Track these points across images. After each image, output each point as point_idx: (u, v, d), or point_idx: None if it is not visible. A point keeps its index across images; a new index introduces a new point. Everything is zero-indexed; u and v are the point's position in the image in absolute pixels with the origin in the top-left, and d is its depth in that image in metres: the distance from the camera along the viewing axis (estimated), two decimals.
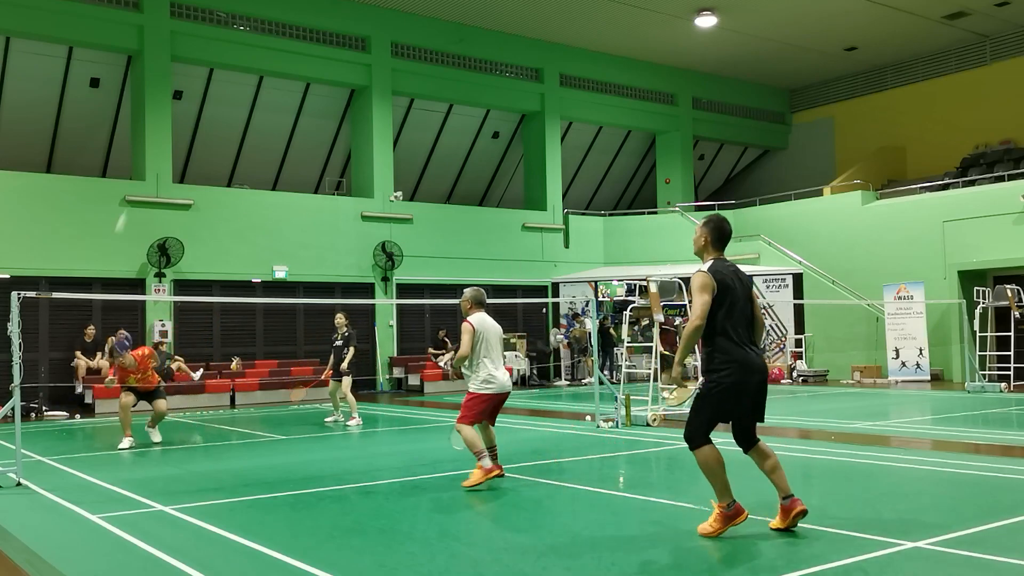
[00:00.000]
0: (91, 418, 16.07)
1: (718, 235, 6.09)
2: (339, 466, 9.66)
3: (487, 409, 8.22)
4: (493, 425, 8.35)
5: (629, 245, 25.31)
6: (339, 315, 14.24)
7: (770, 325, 22.89)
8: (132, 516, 6.97)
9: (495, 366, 8.31)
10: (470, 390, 8.26)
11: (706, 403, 5.79)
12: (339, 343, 13.97)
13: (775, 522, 5.90)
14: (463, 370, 8.45)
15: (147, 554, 5.72)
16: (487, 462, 7.89)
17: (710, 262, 5.96)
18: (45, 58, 18.99)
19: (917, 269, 20.87)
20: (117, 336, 13.69)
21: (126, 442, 11.39)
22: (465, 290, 8.84)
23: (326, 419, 14.30)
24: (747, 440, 5.95)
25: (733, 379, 5.68)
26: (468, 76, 23.59)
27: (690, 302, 6.75)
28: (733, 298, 5.78)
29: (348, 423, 13.70)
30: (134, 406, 11.74)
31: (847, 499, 7.10)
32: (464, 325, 8.37)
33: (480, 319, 8.42)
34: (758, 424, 5.97)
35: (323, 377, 14.56)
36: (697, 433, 5.81)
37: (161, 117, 19.15)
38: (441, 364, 21.23)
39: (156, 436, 11.88)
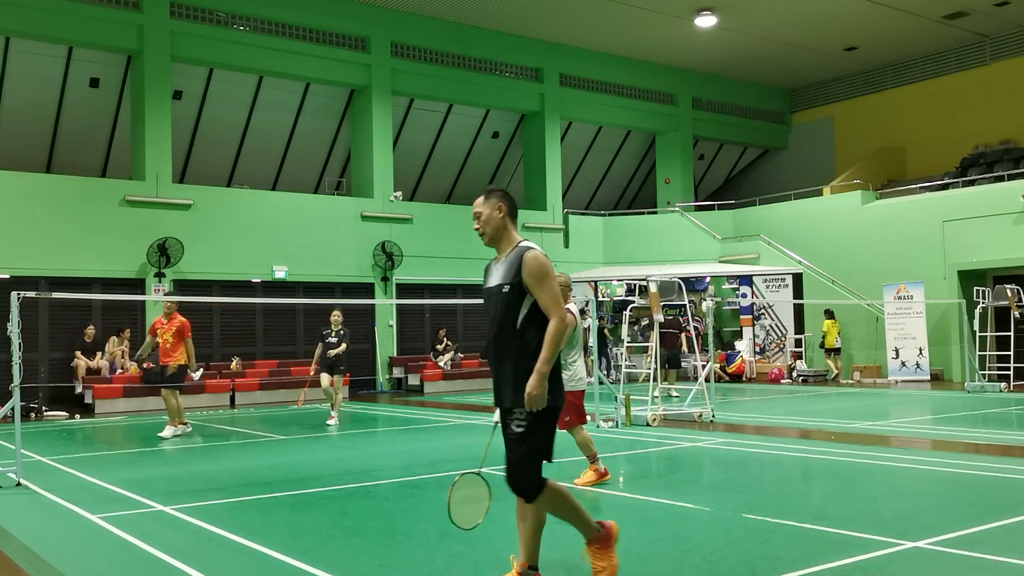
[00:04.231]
0: (91, 418, 16.06)
1: (515, 207, 4.84)
2: (339, 466, 9.66)
3: (582, 407, 8.08)
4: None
5: (629, 245, 25.32)
6: (336, 312, 14.19)
7: (770, 325, 22.90)
8: (132, 516, 6.97)
9: (580, 359, 8.08)
10: (573, 387, 7.90)
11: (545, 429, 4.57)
12: (333, 339, 13.88)
13: None
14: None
15: (147, 554, 5.72)
16: (602, 464, 7.93)
17: (528, 241, 4.73)
18: (45, 58, 18.98)
19: (917, 269, 20.88)
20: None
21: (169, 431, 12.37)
22: (558, 274, 8.39)
23: (327, 422, 14.07)
24: None
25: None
26: (468, 76, 23.59)
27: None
28: None
29: (328, 422, 13.66)
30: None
31: (847, 499, 7.10)
32: (568, 318, 7.97)
33: (572, 309, 7.97)
34: None
35: (312, 374, 14.44)
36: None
37: (161, 117, 19.14)
38: (441, 364, 21.33)
39: (168, 431, 12.35)
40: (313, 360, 14.31)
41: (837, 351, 21.57)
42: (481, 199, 4.79)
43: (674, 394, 16.64)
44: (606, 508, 7.04)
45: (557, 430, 4.67)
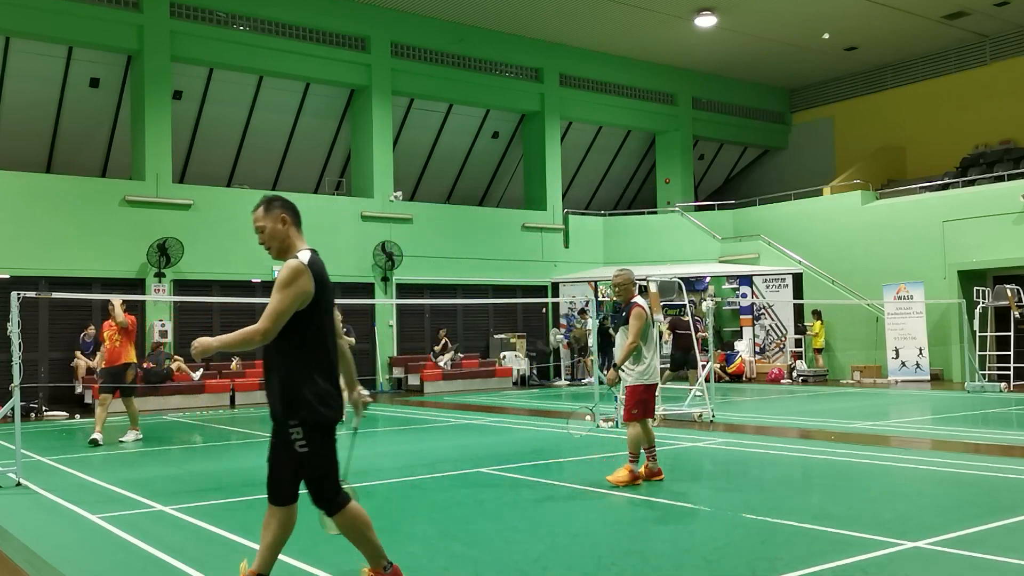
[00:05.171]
0: (91, 418, 16.02)
1: (298, 215, 4.57)
2: (339, 466, 9.64)
3: (652, 401, 8.03)
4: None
5: (629, 245, 25.32)
6: (336, 312, 14.21)
7: (770, 325, 22.90)
8: (132, 516, 6.97)
9: (654, 354, 7.98)
10: (644, 381, 7.87)
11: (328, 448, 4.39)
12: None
13: None
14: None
15: (147, 554, 5.72)
16: (638, 466, 7.86)
17: (307, 252, 4.46)
18: (45, 58, 18.98)
19: (917, 269, 20.88)
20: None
21: (98, 437, 11.76)
22: (621, 270, 8.19)
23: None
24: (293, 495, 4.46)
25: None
26: (468, 76, 23.59)
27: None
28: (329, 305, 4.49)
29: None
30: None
31: (847, 499, 7.10)
32: (636, 310, 7.83)
33: (644, 303, 7.97)
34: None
35: None
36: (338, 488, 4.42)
37: (161, 117, 19.15)
38: (441, 364, 21.33)
39: (130, 436, 12.03)
40: None
41: (820, 351, 21.90)
42: (261, 211, 4.44)
43: (698, 393, 16.57)
44: (606, 508, 7.04)
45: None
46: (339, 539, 6.11)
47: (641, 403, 7.88)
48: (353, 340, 14.25)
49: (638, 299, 8.00)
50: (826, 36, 25.44)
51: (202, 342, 4.23)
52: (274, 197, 4.55)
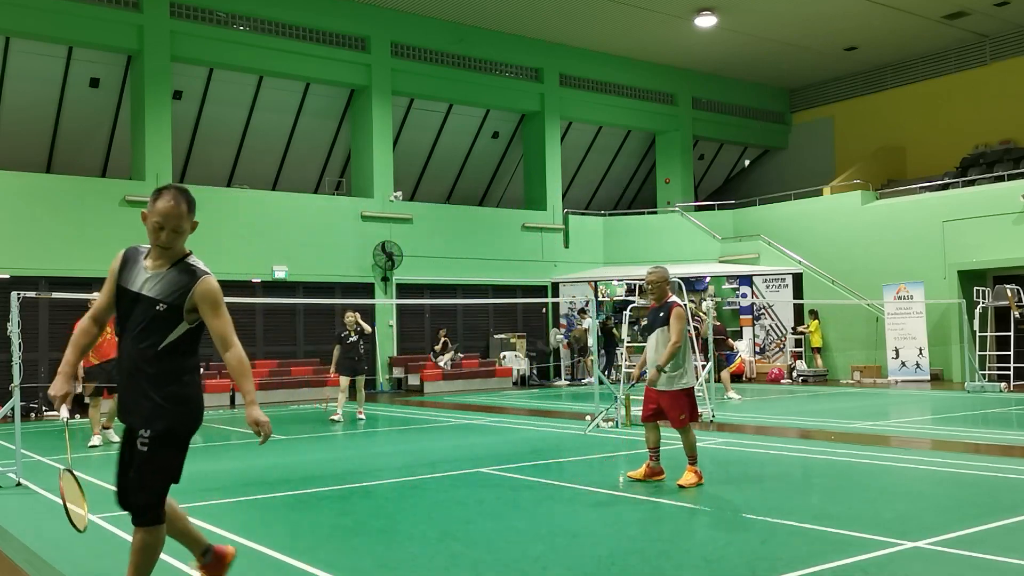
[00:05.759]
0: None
1: None
2: (339, 466, 9.65)
3: (695, 403, 7.94)
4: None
5: (629, 245, 25.32)
6: (348, 312, 14.43)
7: (770, 325, 22.90)
8: None
9: (689, 356, 7.87)
10: (685, 385, 7.76)
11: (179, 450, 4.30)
12: (353, 339, 14.18)
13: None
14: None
15: None
16: (696, 464, 7.78)
17: (195, 257, 4.27)
18: (45, 58, 18.98)
19: (917, 269, 20.88)
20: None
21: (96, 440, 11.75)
22: (655, 268, 7.97)
23: (332, 418, 14.32)
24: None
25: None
26: (468, 76, 23.59)
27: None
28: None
29: (359, 417, 14.42)
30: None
31: (847, 499, 7.10)
32: (677, 310, 7.67)
33: (684, 302, 7.81)
34: None
35: (332, 374, 14.80)
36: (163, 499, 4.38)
37: (161, 117, 19.15)
38: (441, 364, 21.33)
39: (114, 436, 12.02)
40: (332, 362, 14.55)
41: (818, 350, 22.01)
42: (184, 208, 4.06)
43: (698, 393, 16.56)
44: (606, 508, 7.04)
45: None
46: (341, 539, 6.13)
47: (687, 407, 7.80)
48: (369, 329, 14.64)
49: (675, 298, 7.86)
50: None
51: (262, 422, 4.14)
52: (188, 192, 4.17)
